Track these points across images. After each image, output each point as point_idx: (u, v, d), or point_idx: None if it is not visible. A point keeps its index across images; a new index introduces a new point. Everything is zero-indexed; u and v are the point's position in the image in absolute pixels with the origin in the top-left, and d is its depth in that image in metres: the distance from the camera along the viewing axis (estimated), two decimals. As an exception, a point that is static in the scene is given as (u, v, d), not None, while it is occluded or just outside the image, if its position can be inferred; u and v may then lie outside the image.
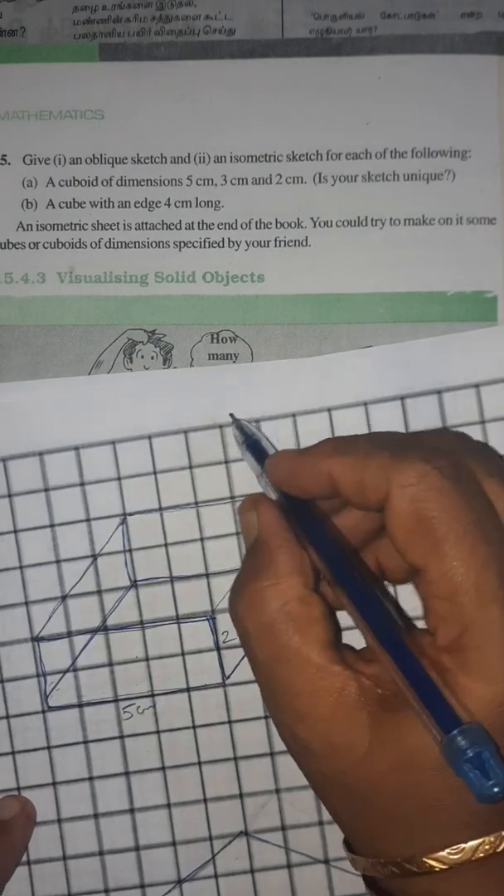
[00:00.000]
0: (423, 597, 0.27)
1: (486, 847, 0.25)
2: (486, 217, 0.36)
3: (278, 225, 0.37)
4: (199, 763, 0.36)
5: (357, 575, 0.28)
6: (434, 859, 0.25)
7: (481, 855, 0.25)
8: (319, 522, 0.30)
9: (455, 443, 0.30)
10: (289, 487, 0.30)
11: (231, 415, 0.35)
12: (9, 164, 0.37)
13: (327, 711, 0.27)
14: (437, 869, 0.25)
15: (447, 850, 0.25)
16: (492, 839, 0.25)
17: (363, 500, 0.28)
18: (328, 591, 0.30)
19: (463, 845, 0.25)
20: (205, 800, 0.36)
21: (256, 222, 0.37)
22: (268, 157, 0.37)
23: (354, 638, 0.30)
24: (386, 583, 0.34)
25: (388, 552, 0.31)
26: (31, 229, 0.37)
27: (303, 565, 0.29)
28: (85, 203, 0.37)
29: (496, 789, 0.23)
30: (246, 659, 0.35)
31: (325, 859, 0.35)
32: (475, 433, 0.35)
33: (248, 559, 0.30)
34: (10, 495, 0.36)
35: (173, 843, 0.36)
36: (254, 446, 0.34)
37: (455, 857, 0.25)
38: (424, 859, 0.26)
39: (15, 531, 0.36)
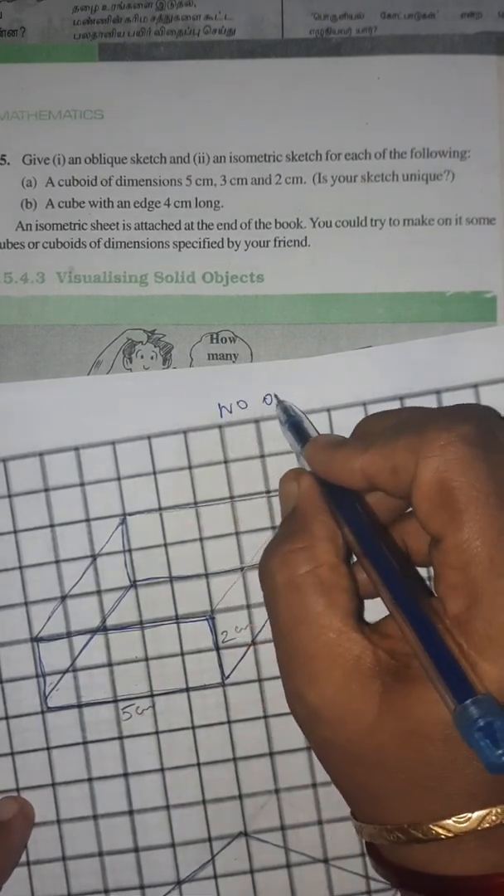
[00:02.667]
0: (436, 566, 0.27)
1: (493, 818, 0.25)
2: (485, 217, 0.37)
3: (277, 225, 0.37)
4: (199, 764, 0.36)
5: (381, 545, 0.28)
6: (440, 827, 0.26)
7: (487, 825, 0.25)
8: (350, 497, 0.30)
9: (484, 411, 0.30)
10: (326, 478, 0.31)
11: (275, 395, 0.36)
12: (8, 163, 0.37)
13: (341, 677, 0.27)
14: (442, 836, 0.25)
15: (453, 819, 0.25)
16: (499, 810, 0.25)
17: (397, 484, 0.28)
18: (358, 573, 0.30)
19: (469, 815, 0.25)
20: (204, 800, 0.36)
21: (256, 222, 0.37)
22: (267, 158, 0.37)
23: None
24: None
25: (412, 533, 0.31)
26: (31, 229, 0.37)
27: (336, 536, 0.29)
28: (84, 203, 0.37)
29: None
30: (245, 659, 0.35)
31: (324, 858, 0.35)
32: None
33: (284, 525, 0.31)
34: (9, 495, 0.36)
35: (172, 844, 0.36)
36: (296, 427, 0.34)
37: (461, 825, 0.25)
38: (431, 826, 0.26)
39: (15, 531, 0.36)
